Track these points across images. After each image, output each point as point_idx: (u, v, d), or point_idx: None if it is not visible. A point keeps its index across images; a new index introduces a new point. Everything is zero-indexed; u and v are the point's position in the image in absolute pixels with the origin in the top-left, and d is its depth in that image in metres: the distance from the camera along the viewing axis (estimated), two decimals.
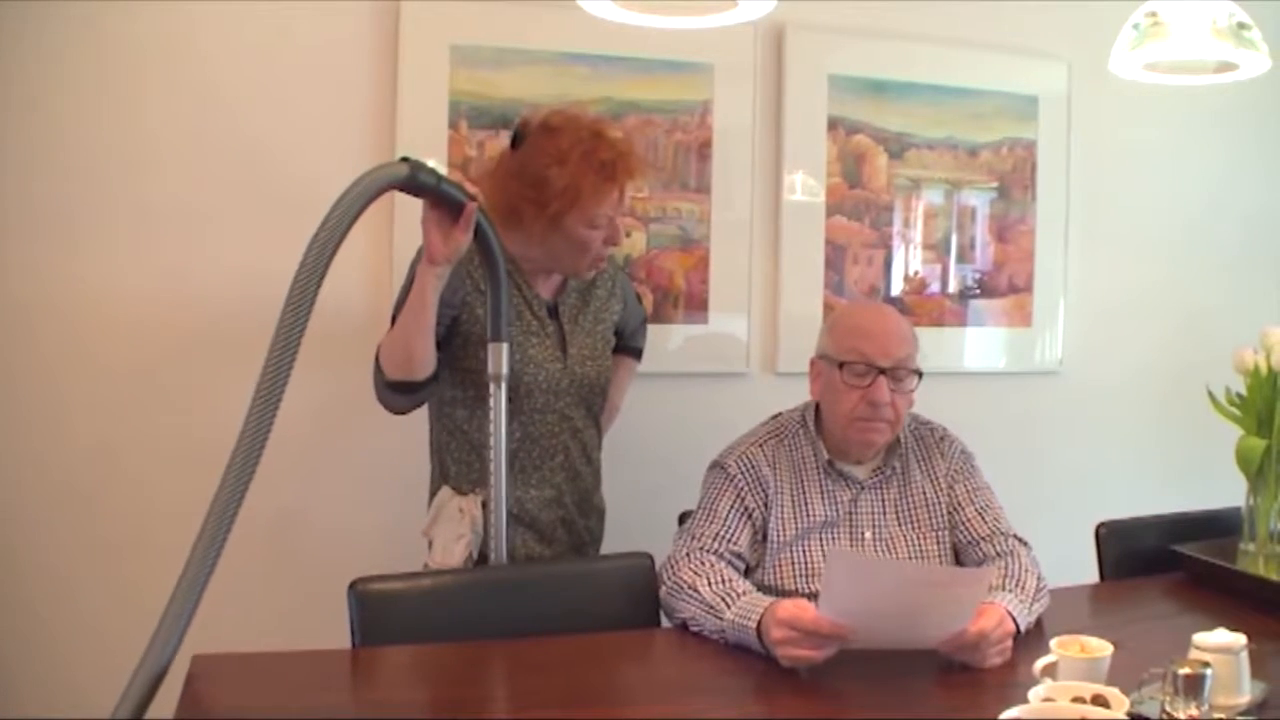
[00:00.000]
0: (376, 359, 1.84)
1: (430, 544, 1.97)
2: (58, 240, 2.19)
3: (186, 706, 1.36)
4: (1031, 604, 1.67)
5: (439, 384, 1.90)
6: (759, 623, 1.54)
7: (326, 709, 1.40)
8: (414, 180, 1.56)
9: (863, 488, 1.87)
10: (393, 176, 1.52)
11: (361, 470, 2.38)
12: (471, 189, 1.71)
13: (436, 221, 1.68)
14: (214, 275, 2.27)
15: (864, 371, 1.82)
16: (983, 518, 1.87)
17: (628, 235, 2.44)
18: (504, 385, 1.81)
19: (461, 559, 1.91)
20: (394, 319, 1.86)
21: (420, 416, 1.98)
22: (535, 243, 1.94)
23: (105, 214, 2.21)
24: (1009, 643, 1.55)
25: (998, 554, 1.80)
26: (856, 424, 1.83)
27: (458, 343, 1.92)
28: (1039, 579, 1.74)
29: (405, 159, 1.55)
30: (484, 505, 1.92)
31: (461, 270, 1.88)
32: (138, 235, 2.23)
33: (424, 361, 1.80)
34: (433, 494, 2.02)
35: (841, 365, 1.84)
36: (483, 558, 1.92)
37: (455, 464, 1.98)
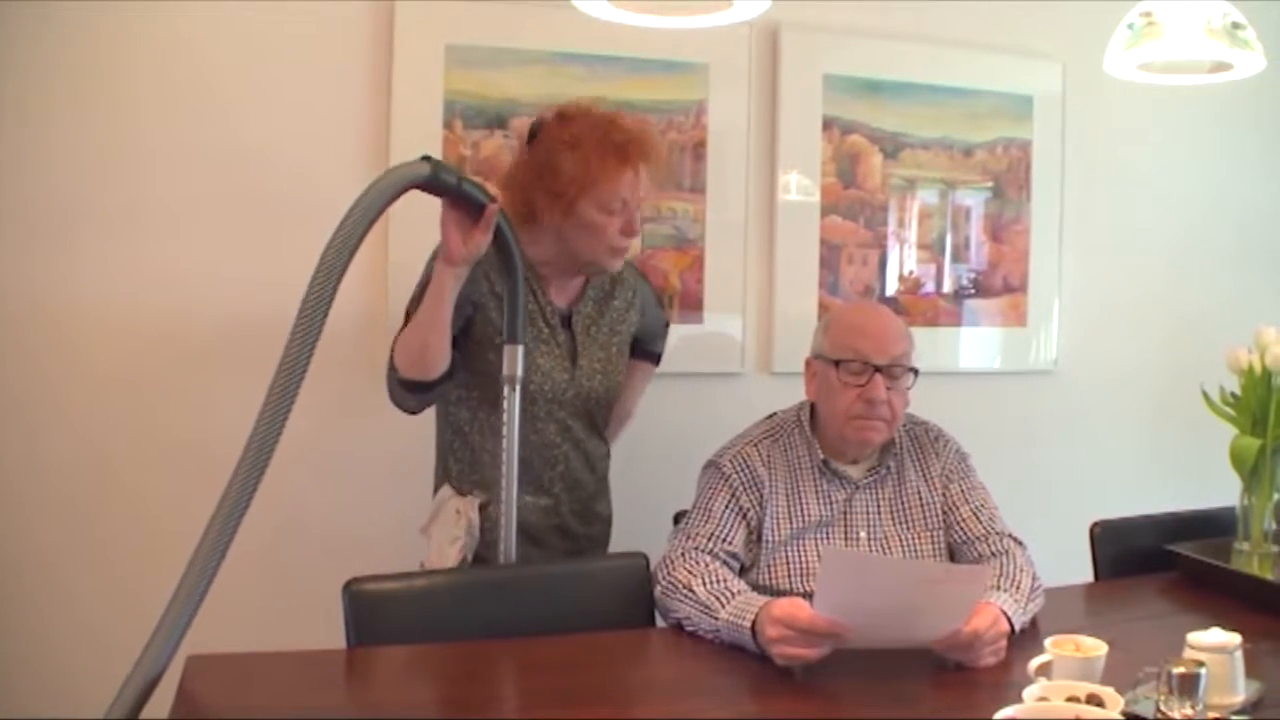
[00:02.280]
0: (391, 357, 1.83)
1: (430, 541, 1.97)
2: (50, 244, 2.18)
3: (180, 707, 1.36)
4: (1026, 603, 1.67)
5: (451, 383, 1.88)
6: (754, 621, 1.54)
7: (320, 710, 1.40)
8: (435, 179, 1.56)
9: (857, 487, 1.87)
10: (414, 175, 1.52)
11: (358, 472, 2.37)
12: (492, 190, 1.70)
13: (456, 222, 1.68)
14: (208, 277, 2.26)
15: (860, 369, 1.82)
16: (978, 517, 1.87)
17: None
18: (519, 387, 1.80)
19: (455, 562, 1.90)
20: (408, 316, 1.84)
21: (419, 418, 1.97)
22: (551, 237, 1.92)
23: (97, 217, 2.20)
24: (1003, 642, 1.55)
25: (993, 554, 1.80)
26: (853, 422, 1.83)
27: (469, 345, 1.91)
28: (1034, 578, 1.74)
29: (427, 158, 1.55)
30: (481, 508, 1.91)
31: (478, 272, 1.86)
32: (130, 238, 2.22)
33: (438, 360, 1.79)
34: (436, 490, 2.02)
35: (838, 364, 1.84)
36: (478, 559, 1.91)
37: (457, 463, 1.98)
